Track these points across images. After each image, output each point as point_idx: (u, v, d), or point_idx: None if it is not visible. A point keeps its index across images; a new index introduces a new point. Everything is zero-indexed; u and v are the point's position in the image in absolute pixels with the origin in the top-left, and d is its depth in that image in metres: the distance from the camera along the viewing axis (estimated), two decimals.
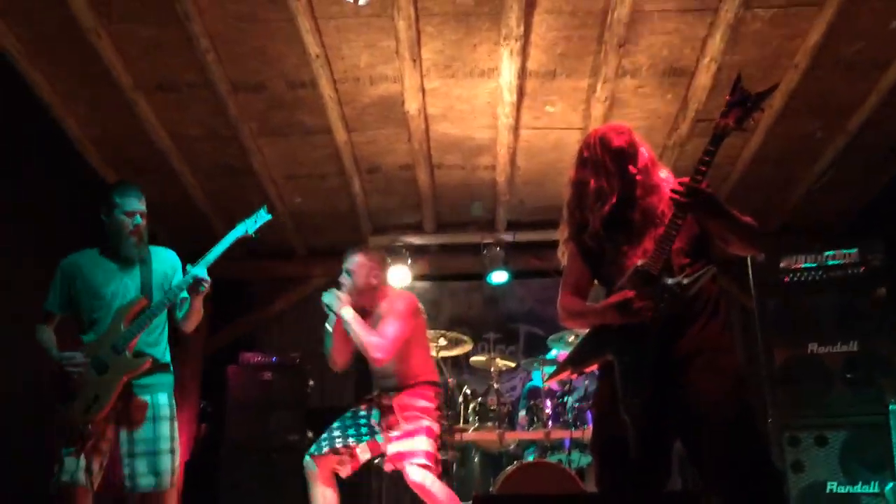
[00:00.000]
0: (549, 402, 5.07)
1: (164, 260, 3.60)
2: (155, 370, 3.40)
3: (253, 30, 4.36)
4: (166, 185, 5.66)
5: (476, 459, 5.31)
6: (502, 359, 5.42)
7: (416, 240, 6.60)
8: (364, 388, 4.86)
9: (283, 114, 5.06)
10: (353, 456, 3.78)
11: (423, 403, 3.83)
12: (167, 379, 3.50)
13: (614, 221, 2.61)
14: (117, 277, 3.46)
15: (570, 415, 4.99)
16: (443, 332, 5.28)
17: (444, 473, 4.78)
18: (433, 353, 5.21)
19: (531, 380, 5.81)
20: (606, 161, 2.59)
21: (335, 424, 3.87)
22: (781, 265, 4.40)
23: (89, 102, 4.90)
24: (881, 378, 4.12)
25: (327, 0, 4.16)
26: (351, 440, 3.77)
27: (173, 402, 3.48)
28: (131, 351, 3.32)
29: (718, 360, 2.45)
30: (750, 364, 5.10)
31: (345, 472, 3.80)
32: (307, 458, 3.79)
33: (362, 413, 3.91)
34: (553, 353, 5.40)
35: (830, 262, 4.34)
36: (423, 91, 4.86)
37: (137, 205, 3.49)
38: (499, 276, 6.43)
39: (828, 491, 4.03)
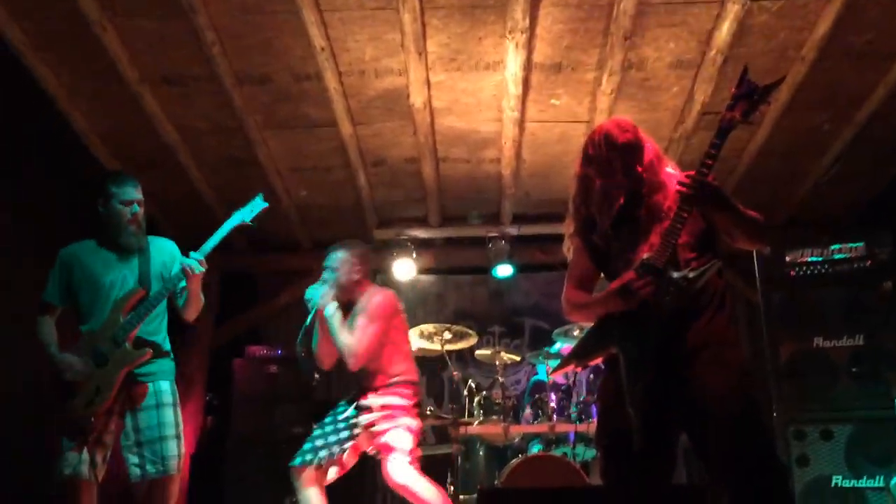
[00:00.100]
0: (553, 396, 5.07)
1: (163, 249, 3.61)
2: (156, 358, 3.41)
3: (258, 22, 4.35)
4: (172, 178, 5.67)
5: (481, 453, 5.32)
6: (507, 352, 5.42)
7: (421, 233, 6.60)
8: None
9: (289, 107, 5.06)
10: (339, 464, 3.82)
11: (399, 402, 3.85)
12: (168, 366, 3.51)
13: (621, 218, 2.61)
14: (116, 268, 3.47)
15: (574, 408, 4.99)
16: (448, 325, 5.29)
17: (449, 467, 4.81)
18: (439, 347, 5.22)
19: (536, 373, 5.81)
20: (612, 159, 2.58)
21: (316, 433, 3.90)
22: (787, 259, 4.38)
23: (95, 96, 4.91)
24: (887, 372, 4.11)
25: None
26: (335, 449, 3.77)
27: (175, 388, 3.49)
28: (131, 342, 3.33)
29: (724, 353, 2.45)
30: (755, 358, 5.09)
31: (331, 476, 3.82)
32: (291, 466, 3.80)
33: (341, 412, 3.94)
34: (558, 346, 5.40)
35: (837, 256, 4.32)
36: (429, 84, 4.85)
37: (134, 193, 3.50)
38: (504, 270, 6.43)
39: (833, 485, 4.02)
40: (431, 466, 5.81)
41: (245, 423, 5.76)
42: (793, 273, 4.37)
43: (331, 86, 4.78)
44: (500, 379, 5.23)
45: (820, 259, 4.34)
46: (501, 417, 4.98)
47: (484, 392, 5.22)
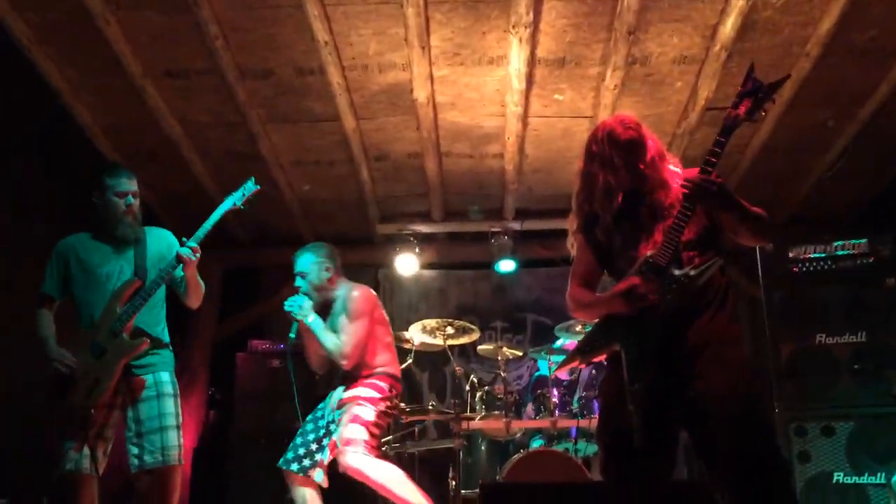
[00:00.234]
0: (555, 391, 5.07)
1: (160, 239, 3.61)
2: (155, 349, 3.42)
3: (261, 16, 4.35)
4: (175, 172, 5.68)
5: (483, 447, 5.32)
6: (509, 348, 5.41)
7: (423, 228, 6.60)
8: None
9: (292, 101, 5.06)
10: (322, 466, 3.94)
11: (364, 392, 3.94)
12: (168, 357, 3.51)
13: (623, 215, 2.61)
14: (112, 259, 3.48)
15: (576, 404, 4.99)
16: (450, 320, 5.29)
17: (451, 461, 4.81)
18: (441, 342, 5.22)
19: (538, 369, 5.82)
20: (613, 156, 2.58)
21: (298, 441, 4.03)
22: (790, 256, 4.37)
23: (98, 90, 4.91)
24: (889, 369, 4.11)
25: None
26: (317, 455, 3.93)
27: (175, 379, 3.50)
28: (128, 332, 3.33)
29: (725, 352, 2.45)
30: (758, 354, 5.09)
31: (319, 478, 3.93)
32: (280, 466, 3.97)
33: (320, 411, 4.08)
34: (560, 342, 5.40)
35: (840, 253, 4.31)
36: (432, 79, 4.85)
37: (128, 185, 3.49)
38: (506, 265, 6.43)
39: (834, 481, 4.02)
40: (433, 461, 5.85)
41: (247, 417, 5.77)
42: (796, 270, 4.37)
43: (334, 80, 4.78)
44: (502, 374, 5.23)
45: (823, 256, 4.34)
46: (503, 412, 4.98)
47: (486, 387, 5.22)
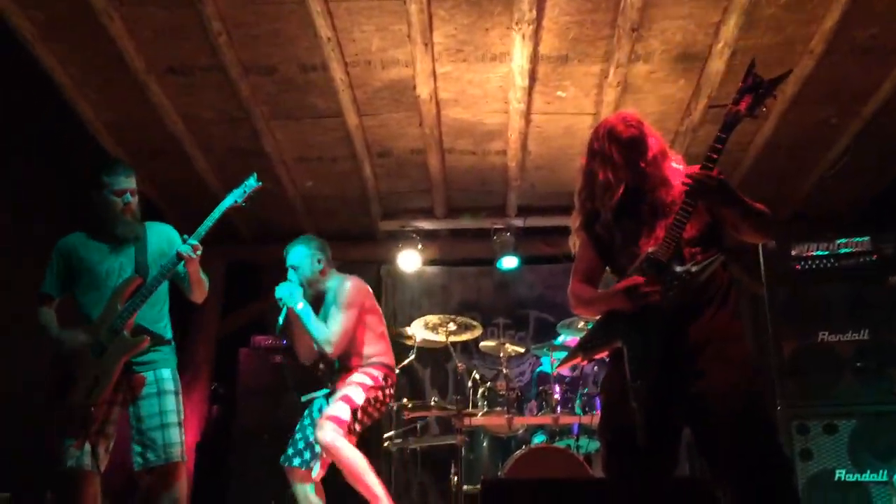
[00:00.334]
0: (558, 388, 5.08)
1: (160, 235, 3.59)
2: (156, 346, 3.41)
3: (265, 12, 4.35)
4: (178, 168, 5.69)
5: (485, 444, 5.33)
6: (512, 344, 5.42)
7: (426, 224, 6.61)
8: None
9: (295, 97, 5.06)
10: (321, 460, 3.97)
11: (357, 378, 3.98)
12: (169, 354, 3.50)
13: (625, 212, 2.61)
14: (111, 257, 3.47)
15: (578, 400, 5.00)
16: (452, 316, 5.29)
17: (453, 457, 4.82)
18: (444, 338, 5.23)
19: (540, 365, 5.82)
20: (614, 154, 2.59)
21: (297, 436, 4.07)
22: (793, 253, 4.37)
23: (102, 86, 4.92)
24: (892, 367, 4.10)
25: None
26: (317, 447, 3.94)
27: (177, 376, 3.49)
28: (129, 330, 3.33)
29: (727, 349, 2.45)
30: (760, 352, 5.08)
31: (317, 471, 3.97)
32: (282, 463, 4.03)
33: (317, 404, 4.11)
34: (562, 338, 5.40)
35: (842, 251, 4.30)
36: (435, 75, 4.85)
37: (126, 182, 3.47)
38: (509, 262, 6.44)
39: (836, 479, 4.02)
40: (435, 457, 5.86)
41: (250, 412, 5.78)
42: (798, 267, 4.36)
43: (337, 76, 4.78)
44: (505, 370, 5.24)
45: (826, 253, 4.33)
46: (505, 409, 4.98)
47: (488, 383, 5.23)
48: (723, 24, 4.38)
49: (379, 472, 6.13)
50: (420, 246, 6.47)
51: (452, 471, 4.83)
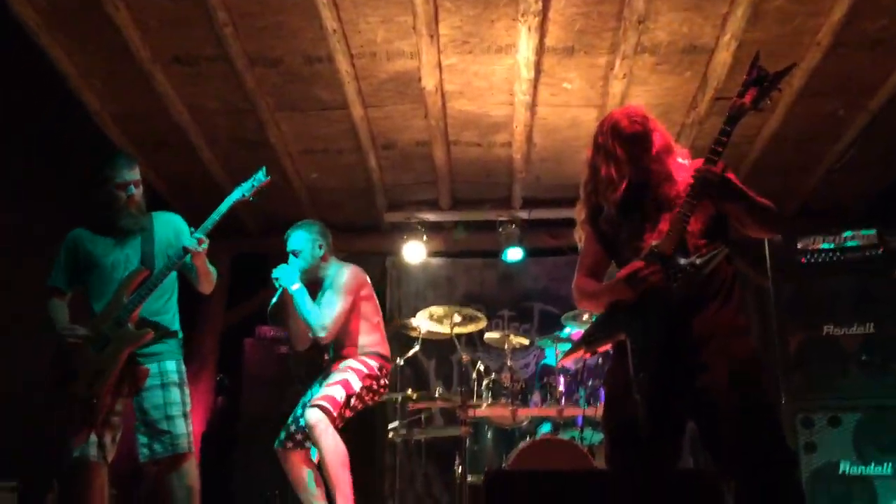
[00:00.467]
0: (562, 380, 5.08)
1: (167, 226, 3.58)
2: (162, 338, 3.41)
3: (270, 3, 4.34)
4: (184, 158, 5.69)
5: (489, 435, 5.34)
6: (516, 336, 5.42)
7: (431, 216, 6.60)
8: None
9: (300, 88, 5.05)
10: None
11: (353, 364, 3.96)
12: (175, 346, 3.50)
13: (629, 207, 2.60)
14: (117, 249, 3.46)
15: (582, 392, 5.00)
16: (457, 308, 5.30)
17: (457, 449, 4.84)
18: (448, 330, 5.23)
19: (545, 357, 5.83)
20: (617, 149, 2.58)
21: (290, 420, 4.02)
22: (799, 246, 4.36)
23: (107, 76, 4.92)
24: None
25: None
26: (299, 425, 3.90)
27: (183, 368, 3.48)
28: (134, 322, 3.32)
29: (731, 344, 2.44)
30: (765, 345, 5.08)
31: (318, 455, 3.88)
32: (276, 447, 3.98)
33: (311, 393, 4.02)
34: (567, 331, 5.40)
35: (848, 244, 4.29)
36: (440, 67, 4.84)
37: (129, 175, 3.45)
38: (514, 254, 6.44)
39: (840, 472, 4.02)
40: (440, 448, 5.87)
41: (255, 403, 5.80)
42: (804, 260, 4.35)
43: (342, 68, 4.78)
44: (509, 362, 5.25)
45: (832, 246, 4.32)
46: (510, 400, 4.99)
47: (493, 375, 5.24)
48: (730, 16, 4.36)
49: (383, 463, 6.20)
50: (425, 238, 6.47)
51: (456, 462, 4.84)
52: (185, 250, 3.34)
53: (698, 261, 2.40)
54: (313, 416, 3.71)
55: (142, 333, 3.31)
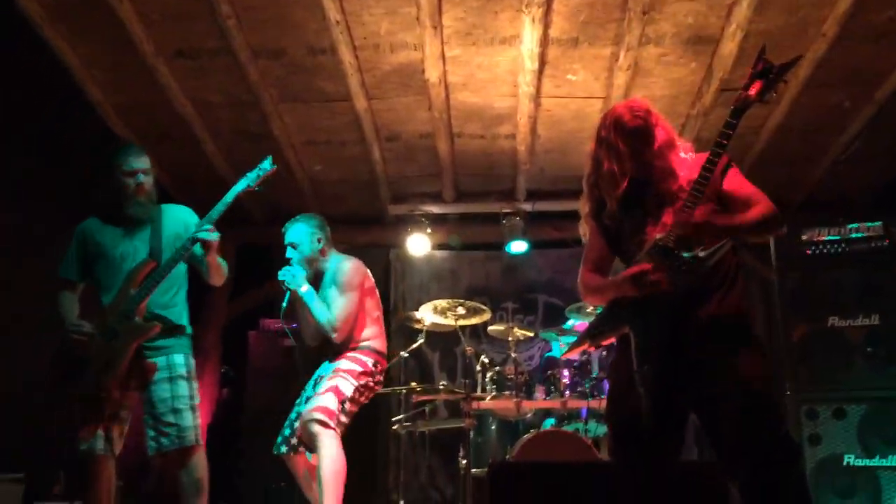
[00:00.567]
0: (566, 372, 5.08)
1: (176, 218, 3.57)
2: (170, 332, 3.40)
3: None
4: (187, 151, 5.69)
5: (493, 427, 5.35)
6: (520, 328, 5.42)
7: (435, 209, 6.60)
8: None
9: (304, 80, 5.05)
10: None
11: (346, 365, 3.89)
12: (183, 339, 3.49)
13: (631, 202, 2.60)
14: (125, 240, 3.45)
15: (587, 385, 5.00)
16: (461, 301, 5.30)
17: (462, 441, 4.84)
18: (452, 322, 5.23)
19: (549, 349, 5.83)
20: (619, 144, 2.57)
21: (286, 423, 3.98)
22: (804, 238, 4.34)
23: (111, 69, 4.92)
24: None
25: None
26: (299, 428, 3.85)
27: (191, 361, 3.47)
28: (141, 315, 3.31)
29: (734, 336, 2.44)
30: (770, 337, 5.07)
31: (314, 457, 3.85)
32: (274, 453, 3.94)
33: (307, 391, 4.01)
34: (571, 323, 5.40)
35: (854, 236, 4.28)
36: (444, 59, 4.82)
37: (137, 163, 3.45)
38: (518, 246, 6.43)
39: (845, 464, 4.02)
40: (444, 440, 5.88)
41: (260, 395, 5.81)
42: (809, 252, 4.34)
43: (346, 59, 4.76)
44: (513, 355, 5.25)
45: (837, 238, 4.31)
46: (514, 393, 5.00)
47: (497, 367, 5.24)
48: (735, 7, 4.34)
49: (387, 456, 6.21)
50: (429, 230, 6.47)
51: (461, 454, 4.85)
52: (196, 240, 3.32)
53: (702, 253, 2.40)
54: (314, 430, 3.67)
55: (149, 326, 3.30)
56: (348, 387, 3.83)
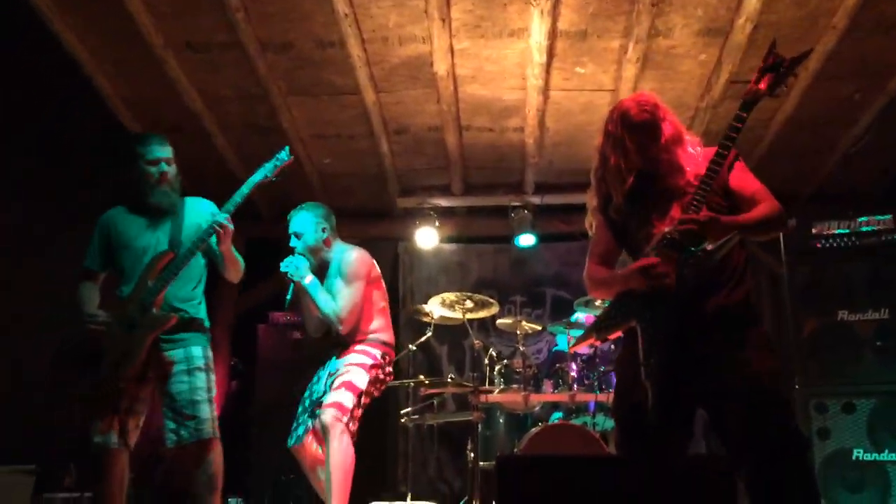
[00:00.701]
0: (574, 366, 5.08)
1: (198, 211, 3.57)
2: (188, 325, 3.41)
3: None
4: (196, 144, 5.69)
5: (501, 421, 5.35)
6: (528, 322, 5.42)
7: (443, 202, 6.60)
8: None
9: (312, 74, 5.05)
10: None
11: (356, 359, 3.86)
12: (201, 332, 3.50)
13: (638, 196, 2.59)
14: (148, 231, 3.46)
15: (595, 378, 5.00)
16: (469, 294, 5.30)
17: (469, 434, 4.85)
18: (461, 316, 5.23)
19: (557, 343, 5.82)
20: (625, 138, 2.56)
21: (297, 420, 3.95)
22: (813, 231, 4.32)
23: (120, 61, 4.93)
24: None
25: None
26: (314, 423, 3.83)
27: (209, 353, 3.48)
28: (158, 306, 3.32)
29: (742, 331, 2.43)
30: (779, 330, 5.05)
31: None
32: (289, 447, 3.91)
33: (315, 385, 3.98)
34: (579, 316, 5.40)
35: (864, 229, 4.25)
36: (453, 52, 4.82)
37: (160, 152, 3.46)
38: (526, 239, 6.43)
39: (854, 458, 4.01)
40: (452, 433, 5.89)
41: (269, 388, 5.82)
42: (819, 246, 4.32)
43: (354, 53, 4.76)
44: (521, 348, 5.25)
45: (847, 231, 4.29)
46: (522, 386, 5.00)
47: (505, 361, 5.24)
48: None
49: (396, 449, 6.22)
50: (437, 223, 6.47)
51: (469, 447, 4.86)
52: (213, 228, 3.32)
53: (710, 247, 2.39)
54: (330, 423, 3.65)
55: (167, 317, 3.31)
56: (363, 380, 3.80)
